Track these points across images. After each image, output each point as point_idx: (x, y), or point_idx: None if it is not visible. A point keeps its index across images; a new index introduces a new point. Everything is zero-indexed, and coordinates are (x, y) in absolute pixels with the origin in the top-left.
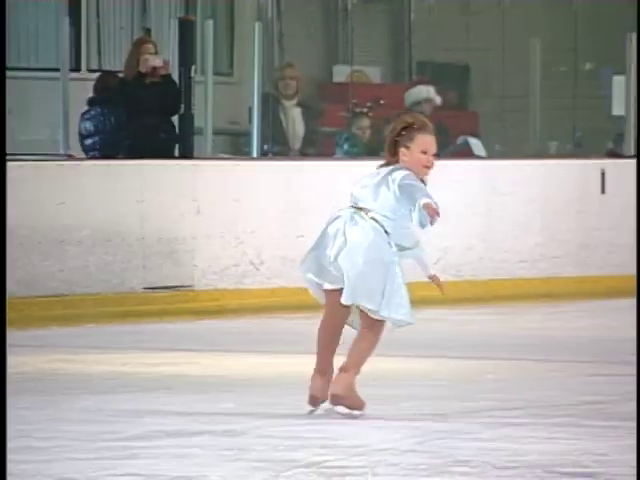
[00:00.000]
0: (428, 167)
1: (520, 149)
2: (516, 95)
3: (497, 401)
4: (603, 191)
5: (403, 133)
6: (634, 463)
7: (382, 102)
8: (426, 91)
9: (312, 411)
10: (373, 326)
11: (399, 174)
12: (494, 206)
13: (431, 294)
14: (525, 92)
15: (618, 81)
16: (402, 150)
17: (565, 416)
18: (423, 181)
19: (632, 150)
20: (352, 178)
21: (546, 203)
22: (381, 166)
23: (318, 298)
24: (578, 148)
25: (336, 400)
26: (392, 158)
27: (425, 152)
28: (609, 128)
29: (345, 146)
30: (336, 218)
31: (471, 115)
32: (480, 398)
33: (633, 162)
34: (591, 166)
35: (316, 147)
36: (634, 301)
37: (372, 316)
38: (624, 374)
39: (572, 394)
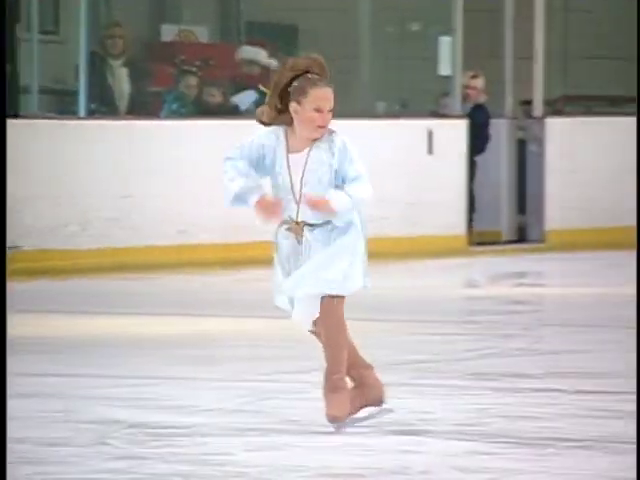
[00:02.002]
0: (322, 127)
1: (348, 109)
2: (344, 56)
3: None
4: (430, 151)
5: (295, 84)
6: (460, 421)
7: (211, 62)
8: (254, 52)
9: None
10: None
11: None
12: None
13: (260, 254)
14: (353, 53)
15: (444, 42)
16: (292, 105)
17: (396, 374)
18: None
19: (459, 110)
20: (180, 137)
21: (374, 163)
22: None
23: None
24: (405, 108)
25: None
26: (278, 115)
27: (319, 110)
28: (436, 89)
29: (174, 105)
30: None
31: None
32: (310, 357)
33: (459, 122)
34: (418, 126)
35: (144, 107)
36: (463, 260)
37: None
38: (455, 333)
39: (403, 353)
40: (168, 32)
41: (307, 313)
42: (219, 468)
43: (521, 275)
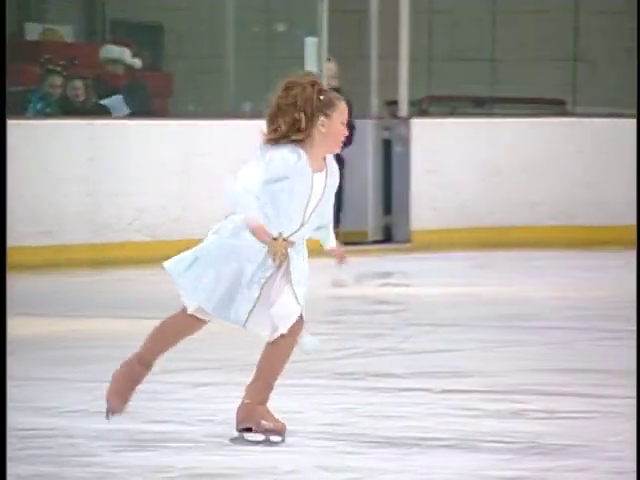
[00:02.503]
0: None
1: (215, 109)
2: (210, 55)
3: (193, 361)
4: None
5: (322, 97)
6: (327, 421)
7: (76, 61)
8: (119, 52)
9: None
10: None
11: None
12: (190, 166)
13: (124, 254)
14: (219, 52)
15: (310, 42)
16: (321, 119)
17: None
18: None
19: None
20: (47, 136)
21: (241, 163)
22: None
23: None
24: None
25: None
26: (299, 133)
27: (344, 123)
28: None
29: (39, 105)
30: None
31: (165, 76)
32: (176, 358)
33: None
34: None
35: (7, 106)
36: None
37: None
38: (322, 332)
39: None
40: (32, 31)
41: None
42: (86, 469)
43: (387, 275)
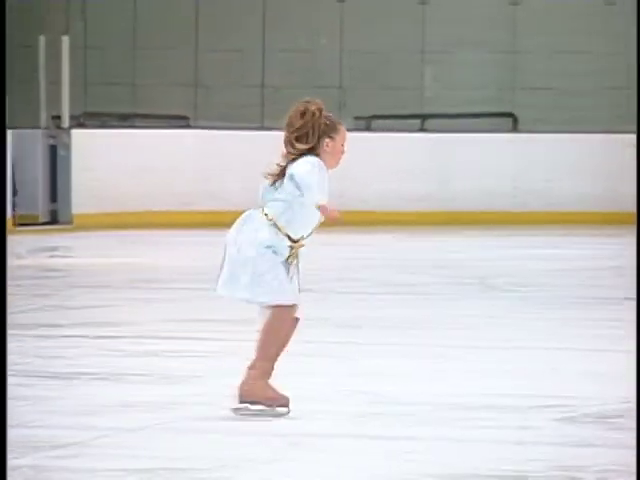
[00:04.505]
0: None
1: None
2: None
3: None
4: None
5: (327, 122)
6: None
7: None
8: None
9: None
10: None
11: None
12: None
13: None
14: None
15: None
16: (326, 140)
17: None
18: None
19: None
20: None
21: None
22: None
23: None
24: None
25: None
26: (313, 152)
27: (342, 145)
28: None
29: None
30: None
31: None
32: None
33: None
34: None
35: None
36: (11, 237)
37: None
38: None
39: None
40: None
41: None
42: None
43: (54, 249)
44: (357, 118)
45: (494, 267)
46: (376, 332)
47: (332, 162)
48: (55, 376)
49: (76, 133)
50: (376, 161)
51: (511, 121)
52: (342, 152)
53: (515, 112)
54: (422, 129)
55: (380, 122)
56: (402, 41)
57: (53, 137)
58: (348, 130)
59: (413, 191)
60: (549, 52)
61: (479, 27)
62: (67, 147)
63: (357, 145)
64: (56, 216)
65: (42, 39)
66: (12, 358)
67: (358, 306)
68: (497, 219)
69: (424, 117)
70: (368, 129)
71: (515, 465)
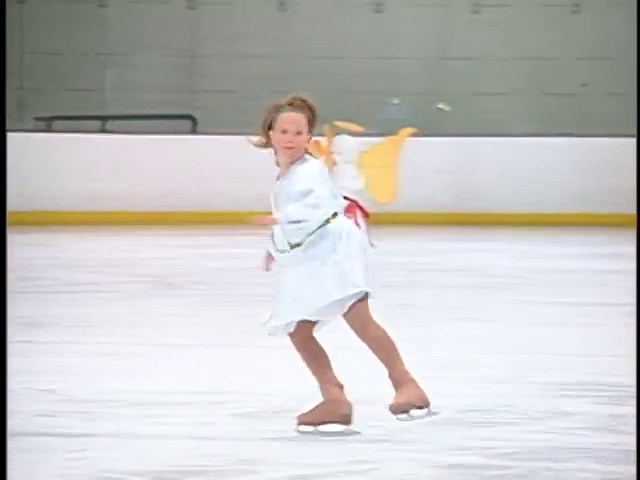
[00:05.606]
0: (289, 148)
1: None
2: None
3: None
4: None
5: (275, 115)
6: None
7: None
8: None
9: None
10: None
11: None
12: None
13: None
14: None
15: None
16: (270, 134)
17: None
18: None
19: None
20: None
21: None
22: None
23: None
24: None
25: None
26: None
27: (285, 131)
28: None
29: None
30: None
31: None
32: None
33: None
34: None
35: None
36: None
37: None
38: None
39: None
40: None
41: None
42: None
43: None
44: (38, 119)
45: (174, 266)
46: (58, 330)
47: (279, 157)
48: None
49: None
50: (52, 162)
51: (190, 123)
52: (285, 141)
53: (194, 114)
54: (103, 130)
55: (61, 123)
56: (83, 43)
57: None
58: (27, 131)
59: (93, 190)
60: (228, 56)
61: (160, 30)
62: None
63: (37, 146)
64: None
65: None
66: None
67: (39, 305)
68: (178, 219)
69: (105, 118)
70: (49, 130)
71: (191, 460)
